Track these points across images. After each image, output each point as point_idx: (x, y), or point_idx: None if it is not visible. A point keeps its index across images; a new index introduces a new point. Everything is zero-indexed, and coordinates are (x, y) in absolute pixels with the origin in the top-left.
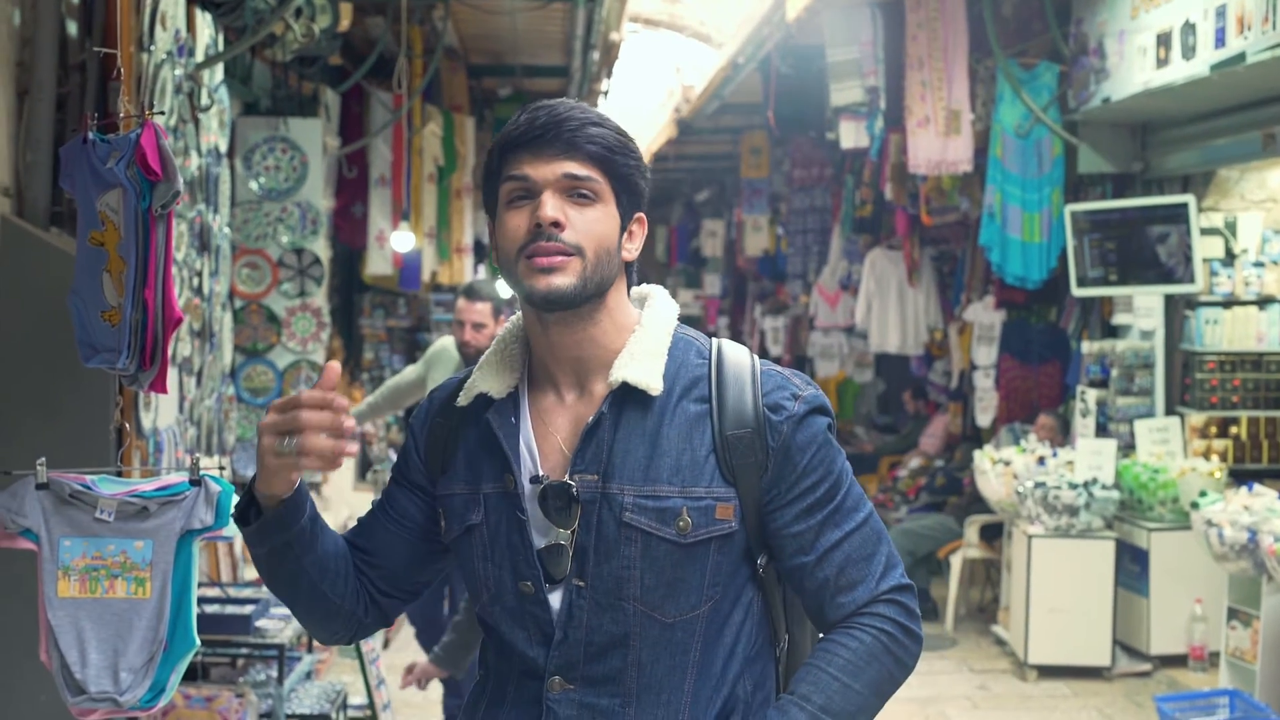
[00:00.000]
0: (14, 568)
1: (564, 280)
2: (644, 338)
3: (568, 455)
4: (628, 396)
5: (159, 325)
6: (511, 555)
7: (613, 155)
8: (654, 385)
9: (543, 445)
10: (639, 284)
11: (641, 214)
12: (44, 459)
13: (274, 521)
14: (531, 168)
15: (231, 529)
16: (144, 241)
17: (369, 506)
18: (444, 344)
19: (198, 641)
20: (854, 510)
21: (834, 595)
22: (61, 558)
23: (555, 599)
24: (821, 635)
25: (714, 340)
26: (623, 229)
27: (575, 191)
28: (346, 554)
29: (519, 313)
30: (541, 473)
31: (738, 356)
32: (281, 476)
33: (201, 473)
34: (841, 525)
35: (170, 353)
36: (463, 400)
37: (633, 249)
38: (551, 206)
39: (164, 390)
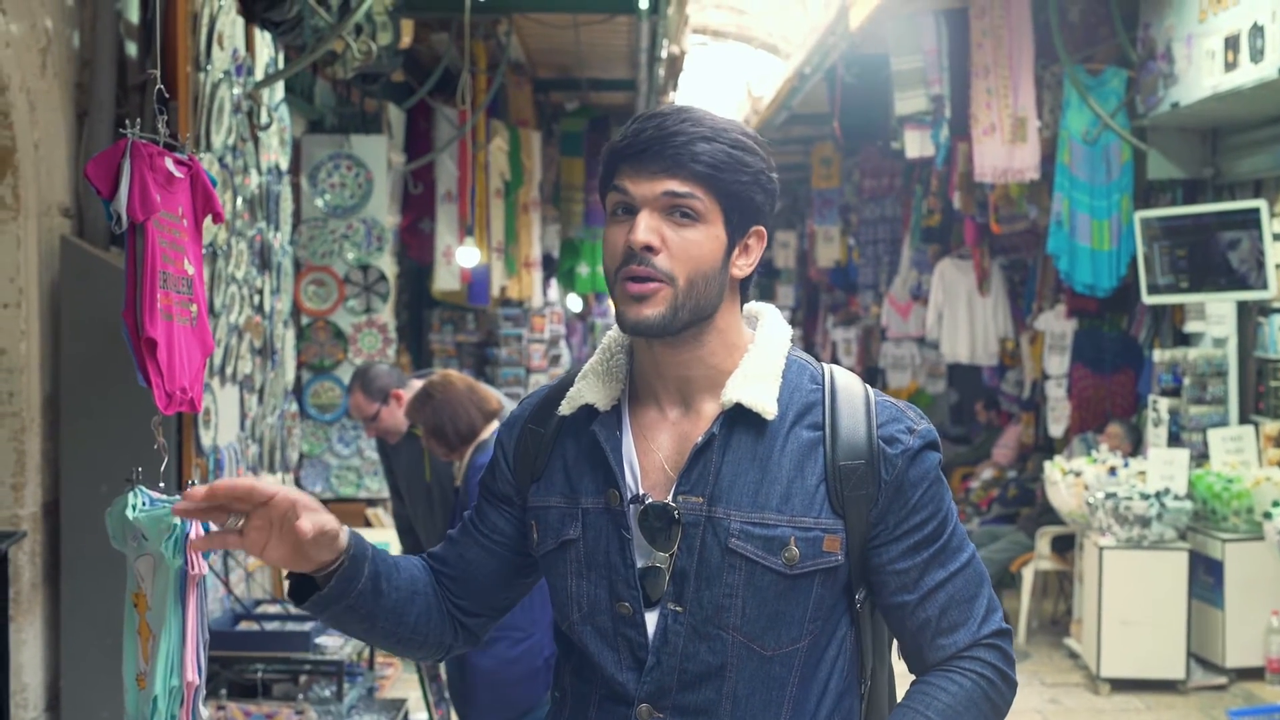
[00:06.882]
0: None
1: (652, 311)
2: (758, 359)
3: (669, 474)
4: (739, 418)
5: (140, 346)
6: (610, 574)
7: (720, 173)
8: (768, 409)
9: (644, 462)
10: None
11: (760, 227)
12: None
13: (327, 596)
14: (632, 182)
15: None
16: (126, 261)
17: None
18: None
19: None
20: (959, 550)
21: (935, 636)
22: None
23: (650, 623)
24: (915, 676)
25: (825, 366)
26: (731, 247)
27: (675, 209)
28: (427, 589)
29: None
30: (642, 491)
31: (851, 385)
32: (315, 552)
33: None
34: (946, 565)
35: (161, 375)
36: (565, 409)
37: (745, 265)
38: (644, 229)
39: (166, 411)
